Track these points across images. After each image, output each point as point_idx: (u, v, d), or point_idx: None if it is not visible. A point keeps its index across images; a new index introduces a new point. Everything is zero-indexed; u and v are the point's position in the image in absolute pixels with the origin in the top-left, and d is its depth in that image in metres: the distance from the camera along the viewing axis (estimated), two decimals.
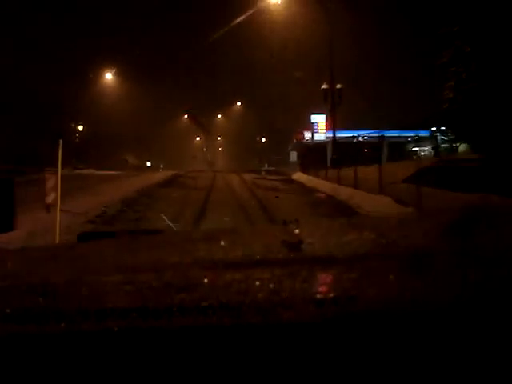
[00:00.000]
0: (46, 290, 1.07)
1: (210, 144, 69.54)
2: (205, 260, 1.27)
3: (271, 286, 0.99)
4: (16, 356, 0.77)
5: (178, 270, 1.19)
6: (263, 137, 58.02)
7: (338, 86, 26.59)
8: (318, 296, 0.93)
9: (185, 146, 67.50)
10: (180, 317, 0.84)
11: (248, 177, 27.28)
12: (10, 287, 1.12)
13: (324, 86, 26.83)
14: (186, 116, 62.61)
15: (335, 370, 0.76)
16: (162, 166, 57.96)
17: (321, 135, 41.66)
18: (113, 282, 1.15)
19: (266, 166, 50.99)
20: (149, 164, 60.09)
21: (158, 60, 50.53)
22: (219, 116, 67.10)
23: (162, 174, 26.03)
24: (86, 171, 29.17)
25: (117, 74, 40.73)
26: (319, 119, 42.29)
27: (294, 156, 53.82)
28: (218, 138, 71.03)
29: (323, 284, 1.10)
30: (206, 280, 1.12)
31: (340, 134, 34.54)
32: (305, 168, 26.19)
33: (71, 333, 0.81)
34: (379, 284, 1.00)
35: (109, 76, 39.72)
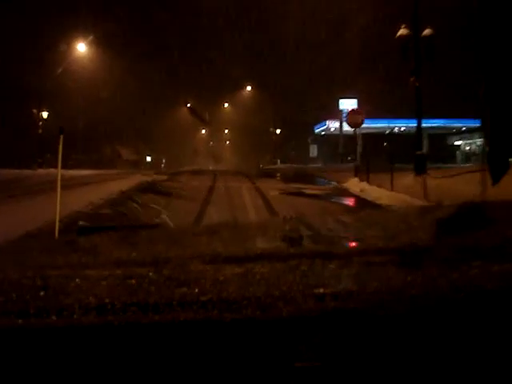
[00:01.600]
0: (47, 283, 1.09)
1: (215, 137, 60.99)
2: (205, 254, 1.30)
3: (272, 280, 1.02)
4: (17, 349, 0.80)
5: (178, 264, 1.22)
6: (277, 128, 48.90)
7: (427, 31, 14.03)
8: (318, 291, 0.95)
9: (190, 138, 59.14)
10: (180, 311, 0.87)
11: (272, 190, 11.74)
12: (11, 281, 1.14)
13: (402, 32, 13.46)
14: (188, 105, 53.91)
15: (337, 365, 0.78)
16: (164, 162, 49.49)
17: None
18: (113, 276, 1.17)
19: (279, 162, 41.89)
20: (149, 159, 51.55)
21: (156, 36, 42.11)
22: (226, 105, 58.14)
23: (128, 182, 14.90)
24: (42, 171, 20.99)
25: (97, 46, 31.07)
26: (349, 104, 33.15)
27: (314, 151, 44.85)
28: (226, 131, 62.18)
29: (323, 278, 1.12)
30: (206, 274, 1.14)
31: (371, 124, 26.00)
32: (359, 171, 14.90)
33: (72, 327, 0.83)
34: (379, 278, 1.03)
35: (82, 48, 28.62)
